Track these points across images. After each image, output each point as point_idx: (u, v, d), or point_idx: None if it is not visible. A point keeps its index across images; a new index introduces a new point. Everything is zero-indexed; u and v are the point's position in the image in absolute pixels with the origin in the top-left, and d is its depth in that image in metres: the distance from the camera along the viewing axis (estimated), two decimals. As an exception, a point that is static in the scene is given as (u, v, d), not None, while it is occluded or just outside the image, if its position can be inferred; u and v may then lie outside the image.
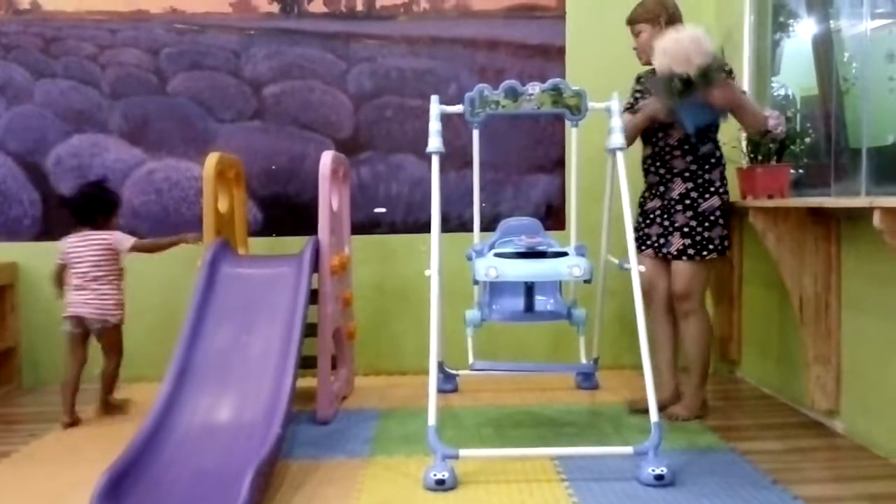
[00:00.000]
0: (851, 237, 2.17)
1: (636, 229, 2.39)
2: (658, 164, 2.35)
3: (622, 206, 2.10)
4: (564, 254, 2.10)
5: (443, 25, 2.94)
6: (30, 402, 2.78)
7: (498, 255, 2.09)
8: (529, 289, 2.24)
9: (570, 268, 2.01)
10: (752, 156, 2.54)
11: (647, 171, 2.40)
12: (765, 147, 2.48)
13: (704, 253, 2.29)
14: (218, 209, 2.48)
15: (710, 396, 2.63)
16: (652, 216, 2.38)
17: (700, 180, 2.30)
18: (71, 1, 2.90)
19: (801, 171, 2.53)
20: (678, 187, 2.30)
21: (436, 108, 2.17)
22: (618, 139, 2.14)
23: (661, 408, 2.28)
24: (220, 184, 2.53)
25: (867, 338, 2.10)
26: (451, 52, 2.94)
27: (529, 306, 2.25)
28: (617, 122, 2.15)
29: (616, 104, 2.16)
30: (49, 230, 2.95)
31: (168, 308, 2.90)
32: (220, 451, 1.87)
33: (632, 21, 2.37)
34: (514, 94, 2.16)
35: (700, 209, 2.29)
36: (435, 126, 2.15)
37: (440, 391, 2.03)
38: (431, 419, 1.92)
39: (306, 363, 2.24)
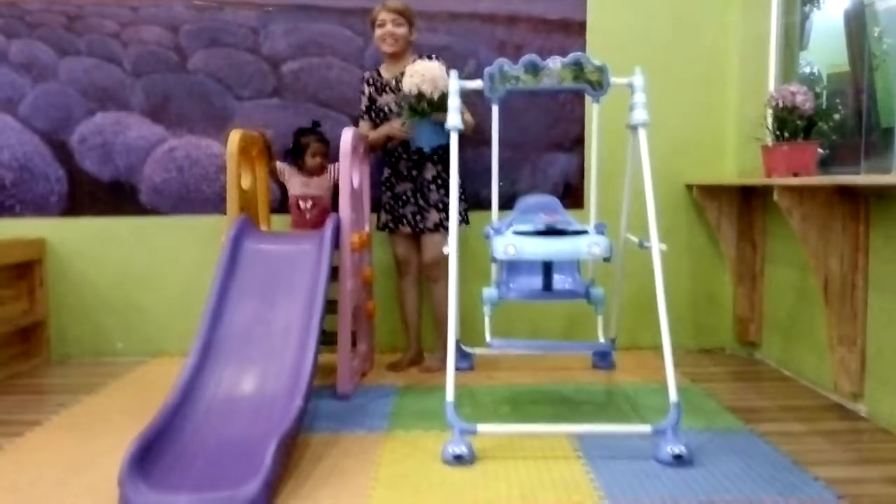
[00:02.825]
0: (881, 217, 2.11)
1: (388, 211, 2.67)
2: (410, 151, 2.59)
3: (644, 183, 2.07)
4: (584, 232, 2.08)
5: (461, 0, 2.89)
6: (58, 373, 2.85)
7: (517, 232, 2.08)
8: (548, 267, 2.22)
9: (590, 246, 1.98)
10: (777, 133, 2.48)
11: (397, 159, 2.64)
12: (791, 124, 2.42)
13: (457, 224, 2.56)
14: (241, 186, 2.49)
15: (726, 377, 2.65)
16: (405, 197, 2.63)
17: (448, 163, 2.52)
18: (92, -22, 2.92)
19: (828, 149, 2.47)
20: (430, 170, 2.59)
21: (455, 84, 2.15)
22: (641, 115, 2.11)
23: (412, 363, 2.74)
24: (243, 160, 2.54)
25: (894, 319, 2.06)
26: (470, 28, 2.89)
27: (548, 285, 2.24)
28: (640, 98, 2.11)
29: (640, 80, 2.12)
30: (75, 207, 3.00)
31: (190, 284, 2.95)
32: (244, 422, 1.91)
33: (399, 12, 2.58)
34: (534, 69, 2.12)
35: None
36: (454, 102, 2.13)
37: (456, 369, 2.04)
38: (450, 395, 1.93)
39: (327, 339, 2.27)
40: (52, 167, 2.99)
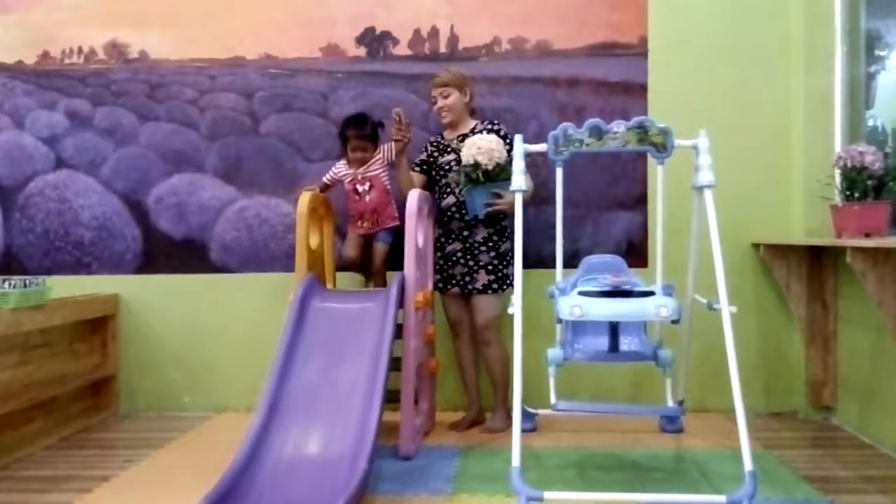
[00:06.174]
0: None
1: (438, 271, 2.72)
2: (463, 212, 2.64)
3: (709, 242, 2.05)
4: (651, 293, 2.06)
5: (524, 65, 2.99)
6: (126, 428, 2.91)
7: (582, 293, 2.08)
8: (614, 328, 2.20)
9: (658, 308, 1.97)
10: (847, 193, 2.44)
11: (450, 218, 2.68)
12: (861, 184, 2.39)
13: (505, 287, 2.63)
14: (309, 245, 2.58)
15: (801, 443, 2.54)
16: (454, 258, 2.67)
17: (498, 226, 2.67)
18: (175, 49, 3.13)
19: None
20: (481, 232, 2.63)
21: (520, 147, 2.20)
22: (706, 177, 2.12)
23: (473, 424, 2.74)
24: (312, 221, 2.64)
25: None
26: (532, 91, 2.97)
27: (614, 346, 2.21)
28: (705, 160, 2.13)
29: (704, 142, 2.14)
30: (149, 264, 3.14)
31: (255, 340, 3.01)
32: (309, 483, 1.91)
33: (443, 84, 2.67)
34: (598, 133, 2.16)
35: (501, 250, 2.65)
36: (519, 165, 2.18)
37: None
38: (515, 460, 1.90)
39: (389, 397, 2.27)
40: (129, 226, 3.15)
